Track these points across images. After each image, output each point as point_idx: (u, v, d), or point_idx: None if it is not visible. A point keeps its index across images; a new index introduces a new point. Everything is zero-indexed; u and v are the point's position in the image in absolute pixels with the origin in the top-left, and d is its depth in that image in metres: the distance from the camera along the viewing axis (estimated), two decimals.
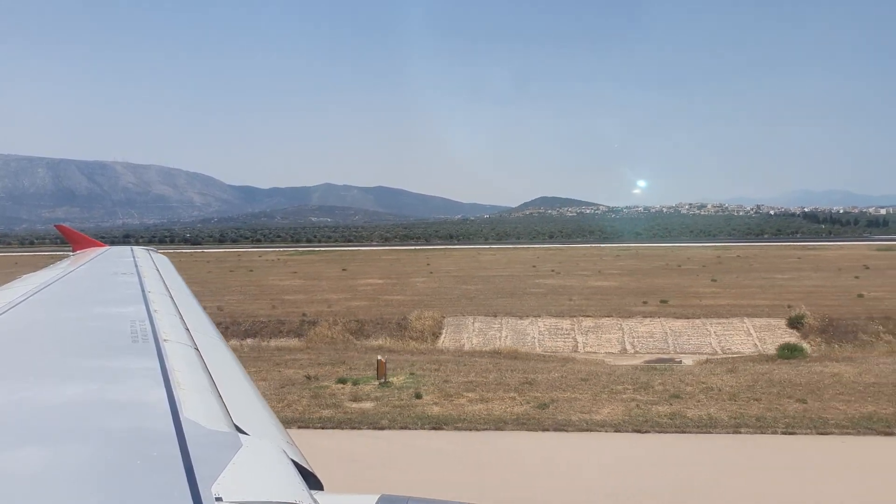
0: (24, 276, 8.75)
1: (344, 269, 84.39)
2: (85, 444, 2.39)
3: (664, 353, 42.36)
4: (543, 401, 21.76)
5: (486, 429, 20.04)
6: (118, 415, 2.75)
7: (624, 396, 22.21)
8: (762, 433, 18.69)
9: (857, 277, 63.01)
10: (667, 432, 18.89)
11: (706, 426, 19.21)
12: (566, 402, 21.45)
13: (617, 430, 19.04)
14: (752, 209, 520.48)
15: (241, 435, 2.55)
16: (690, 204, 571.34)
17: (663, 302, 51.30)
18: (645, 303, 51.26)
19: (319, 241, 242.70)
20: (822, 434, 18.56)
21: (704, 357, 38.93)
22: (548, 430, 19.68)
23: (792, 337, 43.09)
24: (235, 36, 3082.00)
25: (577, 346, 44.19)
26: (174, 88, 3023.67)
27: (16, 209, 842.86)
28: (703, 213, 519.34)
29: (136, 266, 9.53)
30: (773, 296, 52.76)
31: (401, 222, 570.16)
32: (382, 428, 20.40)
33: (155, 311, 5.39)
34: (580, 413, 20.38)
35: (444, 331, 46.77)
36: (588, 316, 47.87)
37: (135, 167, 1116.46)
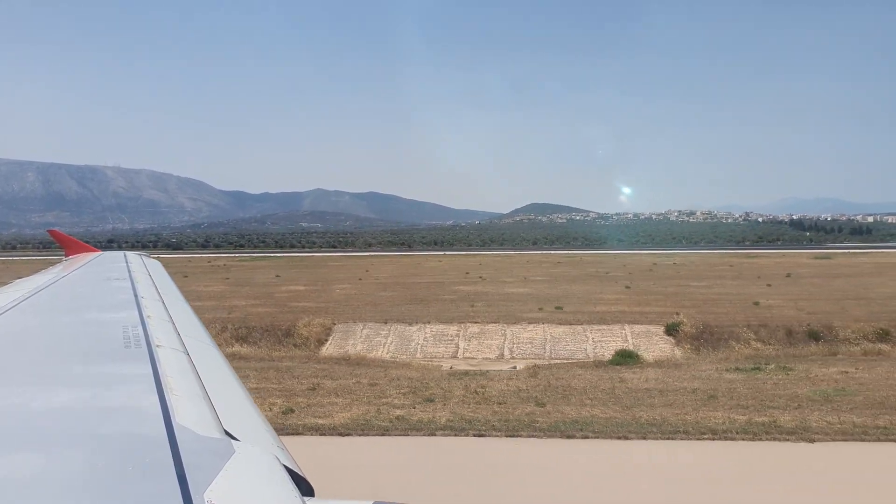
0: (17, 280, 8.80)
1: (277, 276, 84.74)
2: (78, 449, 2.39)
3: (540, 357, 42.89)
4: (291, 406, 22.27)
5: None
6: (111, 420, 2.75)
7: (383, 400, 22.77)
8: (456, 435, 19.25)
9: (769, 285, 63.57)
10: (390, 434, 19.41)
11: (428, 429, 19.72)
12: (316, 407, 21.99)
13: (341, 434, 19.56)
14: (740, 216, 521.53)
15: (233, 441, 2.55)
16: (679, 211, 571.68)
17: (558, 308, 51.83)
18: (541, 309, 51.75)
19: (302, 247, 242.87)
20: (510, 437, 19.12)
21: (559, 361, 39.99)
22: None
23: (667, 343, 43.74)
24: (228, 41, 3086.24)
25: (458, 352, 44.68)
26: (166, 93, 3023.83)
27: (5, 213, 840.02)
28: (691, 220, 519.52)
29: (129, 271, 9.56)
30: (672, 303, 53.31)
31: (391, 228, 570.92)
32: None
33: (148, 316, 5.40)
34: (316, 418, 20.92)
35: (330, 338, 47.18)
36: (476, 322, 48.41)
37: (125, 172, 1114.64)
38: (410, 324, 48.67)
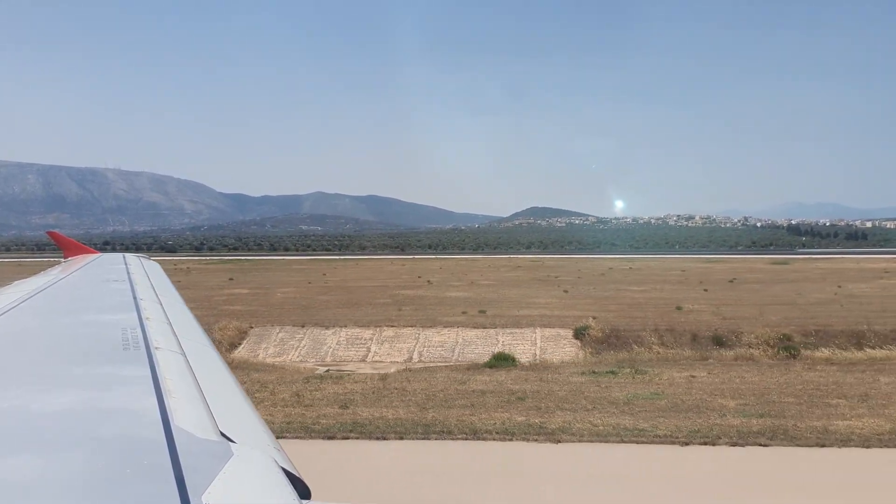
0: (16, 282, 8.74)
1: (231, 279, 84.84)
2: (77, 452, 2.38)
3: (448, 361, 42.83)
4: None
5: None
6: (109, 423, 2.74)
7: None
8: None
9: (705, 290, 63.41)
10: None
11: None
12: None
13: None
14: (739, 221, 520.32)
15: (231, 444, 2.55)
16: (679, 215, 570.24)
17: (482, 312, 51.76)
18: (464, 313, 51.68)
19: (297, 250, 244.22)
20: (280, 438, 19.16)
21: (436, 364, 40.28)
22: None
23: (573, 347, 43.72)
24: (228, 44, 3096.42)
25: (368, 356, 44.64)
26: (166, 95, 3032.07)
27: (5, 215, 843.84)
28: (690, 224, 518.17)
29: (128, 273, 9.56)
30: (597, 308, 53.22)
31: (390, 231, 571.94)
32: None
33: (147, 318, 5.41)
34: None
35: (244, 341, 47.20)
36: (393, 326, 48.40)
37: (126, 174, 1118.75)
38: (327, 327, 48.65)
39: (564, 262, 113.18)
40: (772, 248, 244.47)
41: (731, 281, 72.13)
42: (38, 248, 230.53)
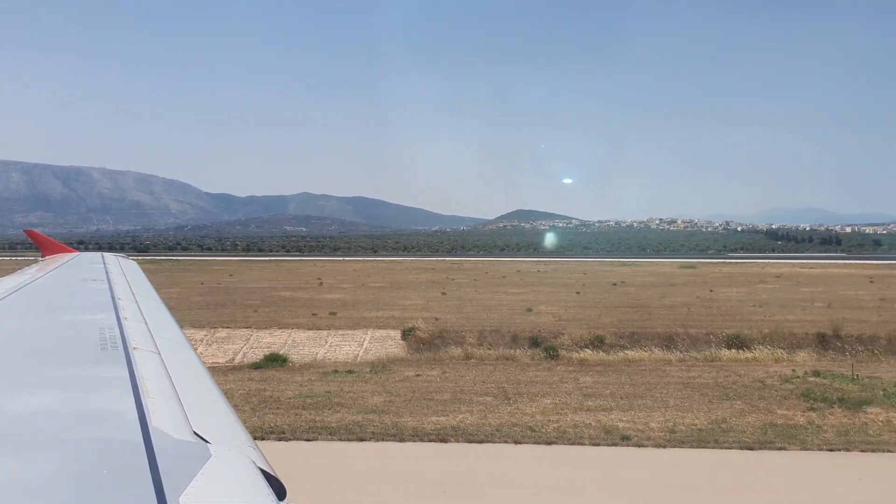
0: None
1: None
2: (53, 454, 2.35)
3: None
4: None
5: None
6: (87, 425, 2.71)
7: None
8: None
9: (577, 293, 64.09)
10: None
11: None
12: None
13: None
14: (720, 225, 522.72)
15: (210, 445, 2.53)
16: (661, 219, 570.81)
17: (332, 314, 52.20)
18: (314, 314, 52.12)
19: (270, 251, 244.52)
20: None
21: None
22: None
23: (398, 347, 44.23)
24: (215, 44, 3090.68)
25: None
26: (153, 95, 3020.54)
27: None
28: (672, 228, 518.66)
29: (107, 272, 9.36)
30: (455, 309, 53.83)
31: (375, 233, 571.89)
32: None
33: (125, 318, 5.32)
34: None
35: None
36: (227, 327, 48.74)
37: (111, 173, 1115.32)
38: None
39: (487, 265, 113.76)
40: (740, 252, 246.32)
41: (614, 284, 72.76)
42: (11, 247, 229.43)
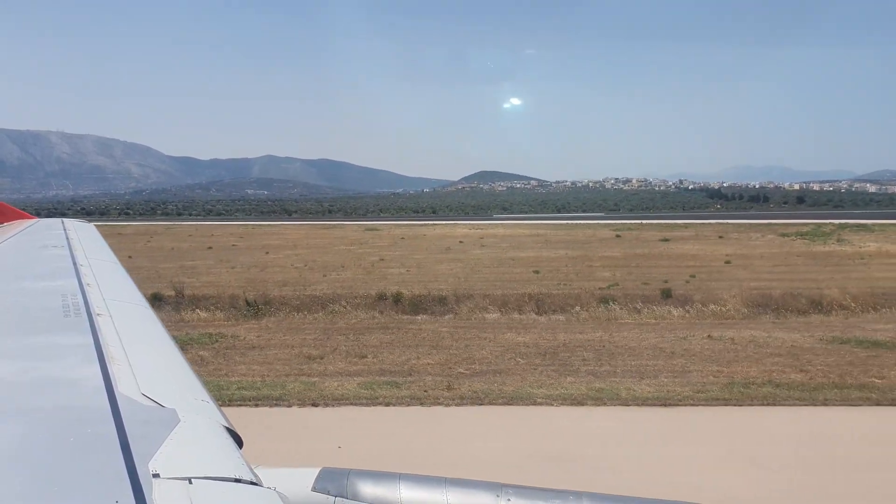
0: None
1: None
2: (17, 423, 2.33)
3: None
4: None
5: None
6: (51, 392, 2.69)
7: None
8: None
9: (381, 261, 75.03)
10: None
11: None
12: None
13: None
14: (673, 184, 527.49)
15: (177, 409, 2.53)
16: (616, 179, 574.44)
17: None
18: None
19: (218, 214, 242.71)
20: None
21: None
22: None
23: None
24: (177, 2, 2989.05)
25: None
26: (112, 55, 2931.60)
27: None
28: (626, 188, 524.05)
29: (67, 238, 9.23)
30: (205, 271, 56.42)
31: (338, 196, 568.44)
32: None
33: (87, 284, 5.21)
34: None
35: None
36: None
37: (70, 137, 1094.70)
38: None
39: (405, 229, 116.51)
40: (669, 210, 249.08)
41: (447, 249, 77.93)
42: None
